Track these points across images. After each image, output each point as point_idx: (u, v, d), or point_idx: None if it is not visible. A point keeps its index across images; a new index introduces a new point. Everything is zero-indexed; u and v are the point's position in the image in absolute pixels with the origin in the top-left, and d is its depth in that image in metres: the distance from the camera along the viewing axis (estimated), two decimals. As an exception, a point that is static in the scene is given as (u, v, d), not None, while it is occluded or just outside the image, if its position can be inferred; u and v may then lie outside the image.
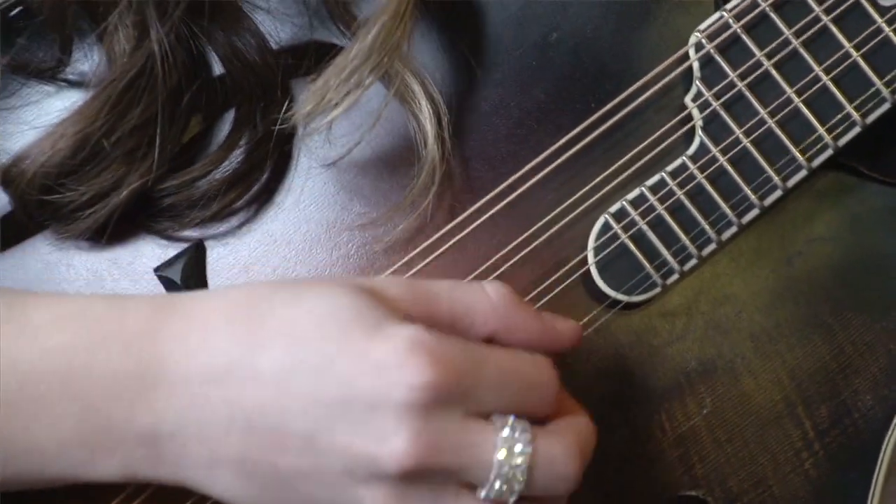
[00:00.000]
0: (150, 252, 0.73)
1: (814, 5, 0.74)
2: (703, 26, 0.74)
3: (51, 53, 0.71)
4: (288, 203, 0.74)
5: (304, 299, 0.62)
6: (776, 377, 0.77)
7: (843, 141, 0.75)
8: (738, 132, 0.74)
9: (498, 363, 0.62)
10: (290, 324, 0.61)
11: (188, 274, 0.73)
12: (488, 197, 0.74)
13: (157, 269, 0.73)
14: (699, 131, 0.75)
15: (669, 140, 0.75)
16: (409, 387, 0.58)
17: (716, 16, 0.74)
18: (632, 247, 0.75)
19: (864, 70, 0.74)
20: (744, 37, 0.74)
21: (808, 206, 0.77)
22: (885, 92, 0.74)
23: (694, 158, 0.75)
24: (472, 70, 0.74)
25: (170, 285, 0.72)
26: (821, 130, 0.75)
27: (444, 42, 0.74)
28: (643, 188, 0.74)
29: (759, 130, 0.74)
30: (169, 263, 0.73)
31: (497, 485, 0.60)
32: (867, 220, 0.77)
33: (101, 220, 0.70)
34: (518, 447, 0.60)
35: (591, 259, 0.75)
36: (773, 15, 0.74)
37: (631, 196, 0.75)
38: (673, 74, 0.75)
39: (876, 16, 0.74)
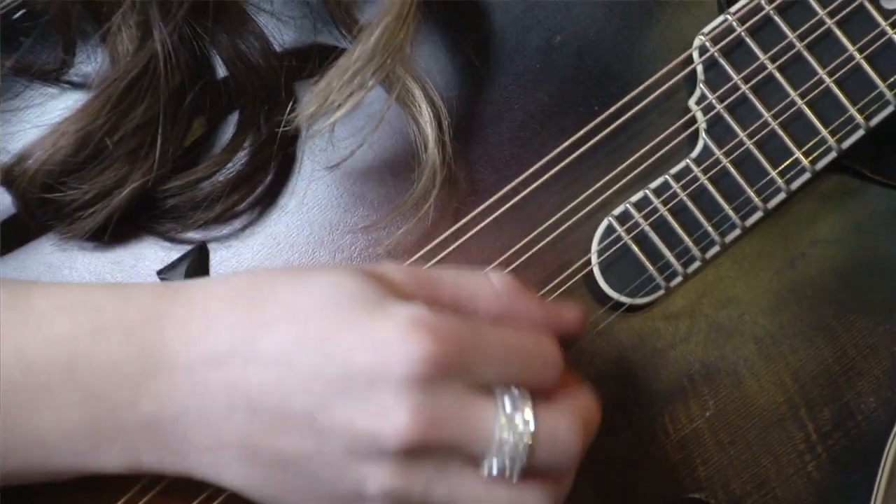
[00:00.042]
0: (153, 254, 0.73)
1: (817, 8, 0.74)
2: (706, 29, 0.74)
3: (54, 55, 0.71)
4: (291, 206, 0.74)
5: (307, 282, 0.62)
6: (779, 379, 0.77)
7: (846, 143, 0.75)
8: (742, 135, 0.74)
9: (500, 338, 0.62)
10: (292, 306, 0.61)
11: (191, 276, 0.73)
12: (492, 200, 0.74)
13: (160, 272, 0.73)
14: (703, 134, 0.75)
15: (673, 143, 0.75)
16: (409, 361, 0.59)
17: (720, 19, 0.74)
18: (635, 249, 0.75)
19: (868, 73, 0.74)
20: (748, 40, 0.74)
21: (812, 208, 0.77)
22: (889, 95, 0.74)
23: (697, 161, 0.75)
24: (475, 73, 0.74)
25: (173, 288, 0.72)
26: (824, 133, 0.75)
27: (447, 46, 0.74)
28: (646, 191, 0.74)
29: (763, 133, 0.74)
30: (172, 266, 0.73)
31: (499, 458, 0.60)
32: (871, 223, 0.77)
33: (102, 219, 0.70)
34: (520, 420, 0.60)
35: (594, 261, 0.75)
36: (776, 18, 0.74)
37: (634, 199, 0.75)
38: (677, 77, 0.75)
39: (880, 19, 0.74)
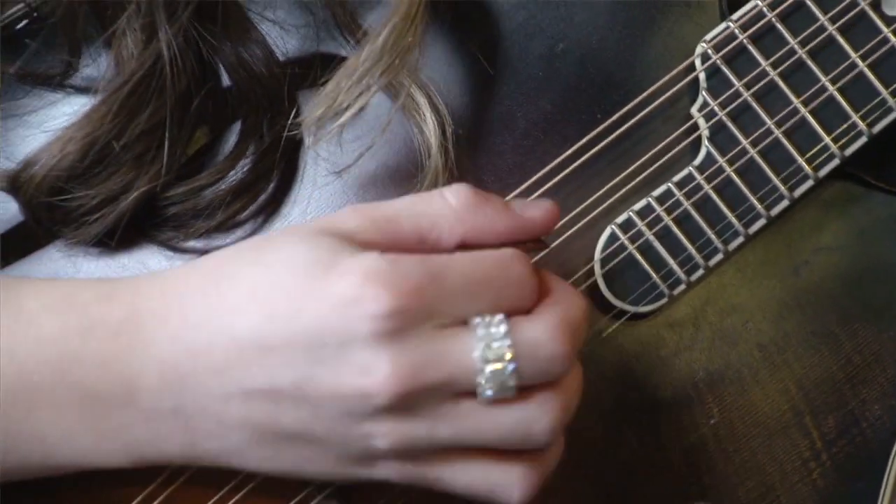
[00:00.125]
0: (157, 264, 0.73)
1: (820, 15, 0.74)
2: (709, 37, 0.74)
3: (58, 60, 0.72)
4: (294, 214, 0.74)
5: (264, 256, 0.62)
6: (784, 387, 0.77)
7: (849, 150, 0.75)
8: (745, 142, 0.74)
9: (462, 270, 0.61)
10: (255, 284, 0.61)
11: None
12: (495, 207, 0.74)
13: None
14: (705, 141, 0.75)
15: (676, 150, 0.75)
16: (372, 318, 0.59)
17: (722, 26, 0.74)
18: (638, 257, 0.75)
19: (871, 80, 0.74)
20: (750, 47, 0.74)
21: (815, 215, 0.77)
22: (892, 101, 0.74)
23: (700, 169, 0.75)
24: (478, 81, 0.74)
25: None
26: (827, 140, 0.75)
27: (450, 54, 0.74)
28: (649, 199, 0.74)
29: (766, 140, 0.74)
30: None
31: (488, 383, 0.60)
32: (874, 230, 0.77)
33: (109, 224, 0.71)
34: (495, 341, 0.60)
35: (597, 270, 0.75)
36: (779, 25, 0.74)
37: (637, 206, 0.75)
38: (679, 85, 0.75)
39: (882, 26, 0.74)
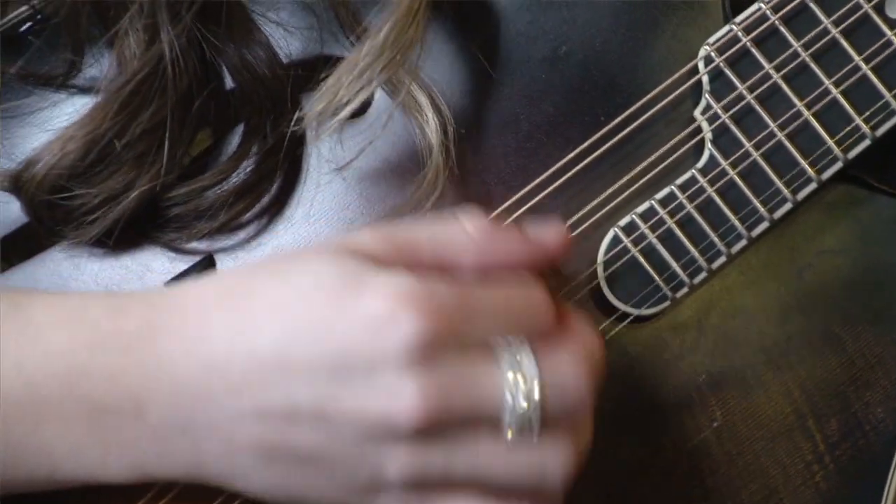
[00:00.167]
0: (160, 266, 0.73)
1: (823, 18, 0.74)
2: (712, 39, 0.74)
3: (61, 59, 0.72)
4: (298, 216, 0.74)
5: (288, 275, 0.61)
6: (787, 390, 0.77)
7: (852, 153, 0.75)
8: (748, 145, 0.74)
9: (486, 295, 0.61)
10: (280, 302, 0.60)
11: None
12: (498, 211, 0.74)
13: (167, 284, 0.73)
14: (708, 144, 0.75)
15: (679, 153, 0.75)
16: (404, 339, 0.58)
17: (725, 29, 0.74)
18: (641, 260, 0.75)
19: (874, 82, 0.74)
20: (753, 50, 0.74)
21: (818, 218, 0.77)
22: (895, 104, 0.74)
23: (703, 171, 0.75)
24: (481, 84, 0.74)
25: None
26: (830, 143, 0.75)
27: (453, 57, 0.74)
28: (652, 201, 0.74)
29: (769, 143, 0.74)
30: (179, 278, 0.73)
31: (514, 412, 0.60)
32: (877, 233, 0.77)
33: (110, 223, 0.70)
34: (524, 373, 0.60)
35: (600, 272, 0.75)
36: (782, 28, 0.74)
37: (640, 209, 0.75)
38: (682, 88, 0.75)
39: (885, 28, 0.74)
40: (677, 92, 0.75)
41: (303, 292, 0.60)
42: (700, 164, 0.75)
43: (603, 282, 0.75)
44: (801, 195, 0.75)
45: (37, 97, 0.73)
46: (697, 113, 0.75)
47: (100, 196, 0.69)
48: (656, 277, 0.75)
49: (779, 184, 0.75)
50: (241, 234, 0.73)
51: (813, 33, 0.74)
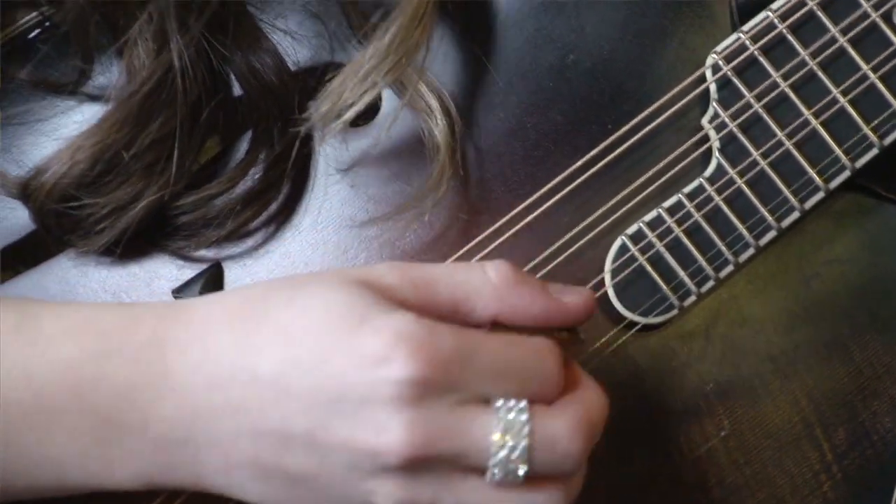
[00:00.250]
0: (168, 273, 0.73)
1: (831, 27, 0.74)
2: (719, 48, 0.74)
3: (70, 67, 0.72)
4: (305, 224, 0.74)
5: (297, 300, 0.62)
6: (794, 399, 0.76)
7: (860, 162, 0.75)
8: (756, 154, 0.74)
9: (493, 351, 0.61)
10: (286, 327, 0.61)
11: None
12: (505, 219, 0.74)
13: (175, 291, 0.73)
14: (716, 153, 0.75)
15: (686, 161, 0.75)
16: (396, 381, 0.59)
17: (732, 37, 0.74)
18: (649, 269, 0.75)
19: (882, 91, 0.74)
20: (761, 59, 0.74)
21: (826, 227, 0.77)
22: (903, 113, 0.75)
23: (711, 180, 0.75)
24: (488, 92, 0.74)
25: (188, 307, 0.72)
26: (838, 152, 0.75)
27: (460, 65, 0.74)
28: (660, 210, 0.74)
29: (777, 152, 0.74)
30: (186, 285, 0.73)
31: (498, 467, 0.60)
32: (885, 242, 0.77)
33: (118, 233, 0.71)
34: (515, 429, 0.60)
35: (608, 281, 0.75)
36: (790, 37, 0.74)
37: (648, 218, 0.74)
38: (690, 96, 0.75)
39: (893, 37, 0.74)
40: (685, 100, 0.75)
41: (308, 319, 0.61)
42: (708, 172, 0.75)
43: (610, 290, 0.75)
44: (809, 204, 0.75)
45: (46, 104, 0.73)
46: (705, 121, 0.75)
47: (108, 206, 0.70)
48: (664, 286, 0.75)
49: (786, 192, 0.75)
50: (249, 242, 0.73)
51: (821, 42, 0.74)
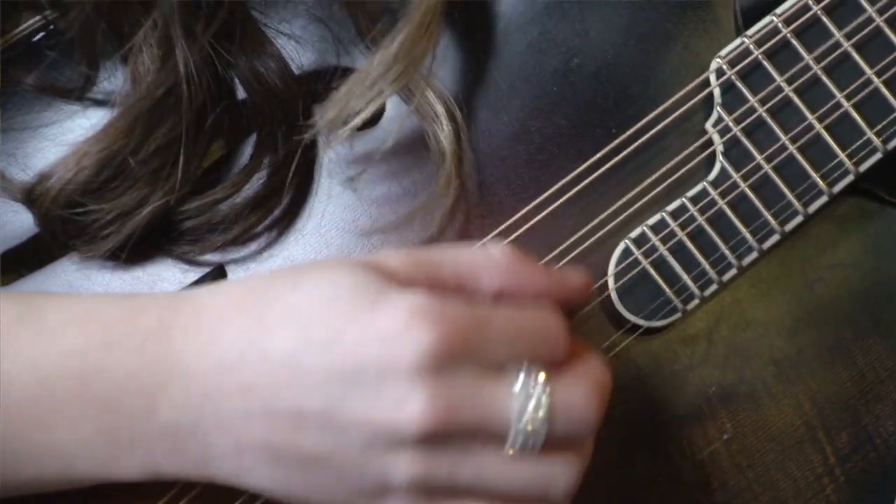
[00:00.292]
0: (171, 276, 0.73)
1: (835, 31, 0.74)
2: (724, 52, 0.74)
3: (77, 72, 0.72)
4: (309, 228, 0.74)
5: (305, 283, 0.62)
6: (797, 403, 0.77)
7: (864, 166, 0.75)
8: (759, 158, 0.74)
9: (504, 317, 0.62)
10: (295, 308, 0.61)
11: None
12: (509, 222, 0.74)
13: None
14: (720, 157, 0.75)
15: (690, 165, 0.75)
16: (415, 351, 0.59)
17: (737, 42, 0.74)
18: (652, 272, 0.75)
19: (886, 96, 0.74)
20: (765, 63, 0.74)
21: (830, 231, 0.77)
22: (907, 117, 0.75)
23: (715, 184, 0.75)
24: (492, 96, 0.74)
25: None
26: (842, 156, 0.75)
27: (464, 69, 0.74)
28: (664, 213, 0.74)
29: (780, 156, 0.74)
30: (189, 288, 0.73)
31: (519, 435, 0.60)
32: (888, 246, 0.77)
33: (123, 238, 0.71)
34: (534, 396, 0.60)
35: (611, 284, 0.75)
36: (794, 41, 0.74)
37: (651, 221, 0.75)
38: (694, 100, 0.75)
39: (897, 42, 0.74)
40: (689, 104, 0.75)
41: (319, 300, 0.61)
42: (711, 176, 0.75)
43: (613, 293, 0.75)
44: (813, 208, 0.75)
45: (51, 109, 0.73)
46: (709, 125, 0.75)
47: (113, 211, 0.70)
48: (667, 289, 0.75)
49: (790, 196, 0.75)
50: (253, 246, 0.73)
51: (825, 46, 0.74)
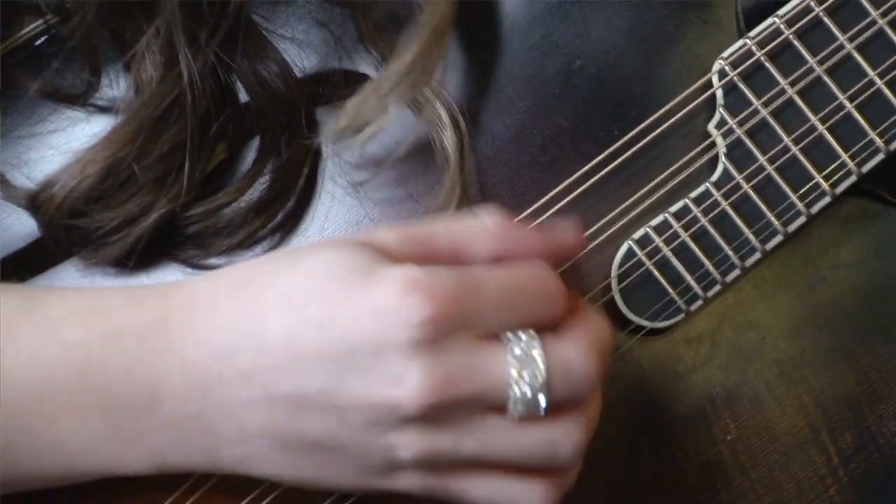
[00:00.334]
0: (176, 279, 0.73)
1: (837, 33, 0.74)
2: (726, 53, 0.74)
3: (81, 78, 0.72)
4: (312, 231, 0.74)
5: (300, 263, 0.62)
6: (800, 403, 0.77)
7: (866, 167, 0.75)
8: (762, 159, 0.74)
9: (497, 281, 0.62)
10: (290, 290, 0.61)
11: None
12: (512, 224, 0.74)
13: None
14: (723, 158, 0.75)
15: (693, 167, 0.75)
16: (409, 326, 0.59)
17: (739, 43, 0.74)
18: (655, 273, 0.75)
19: (888, 97, 0.74)
20: (767, 64, 0.74)
21: (833, 232, 0.77)
22: (909, 118, 0.75)
23: (717, 185, 0.75)
24: (495, 98, 0.74)
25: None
26: (844, 157, 0.75)
27: (467, 70, 0.74)
28: (667, 215, 0.74)
29: (783, 157, 0.74)
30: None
31: (520, 399, 0.60)
32: (891, 246, 0.77)
33: (128, 246, 0.71)
34: (530, 359, 0.60)
35: (614, 286, 0.75)
36: (796, 42, 0.74)
37: (654, 222, 0.75)
38: (696, 102, 0.75)
39: (899, 44, 0.74)
40: (691, 106, 0.75)
41: (313, 281, 0.61)
42: (714, 177, 0.75)
43: (617, 294, 0.75)
44: (815, 209, 0.75)
45: (57, 116, 0.73)
46: (711, 127, 0.75)
47: (117, 219, 0.70)
48: (670, 290, 0.75)
49: (793, 197, 0.75)
50: (258, 249, 0.73)
51: (828, 48, 0.74)
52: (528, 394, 0.60)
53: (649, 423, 0.76)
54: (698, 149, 0.75)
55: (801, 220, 0.75)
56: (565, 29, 0.74)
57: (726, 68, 0.74)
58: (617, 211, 0.75)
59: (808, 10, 0.74)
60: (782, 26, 0.74)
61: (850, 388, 0.77)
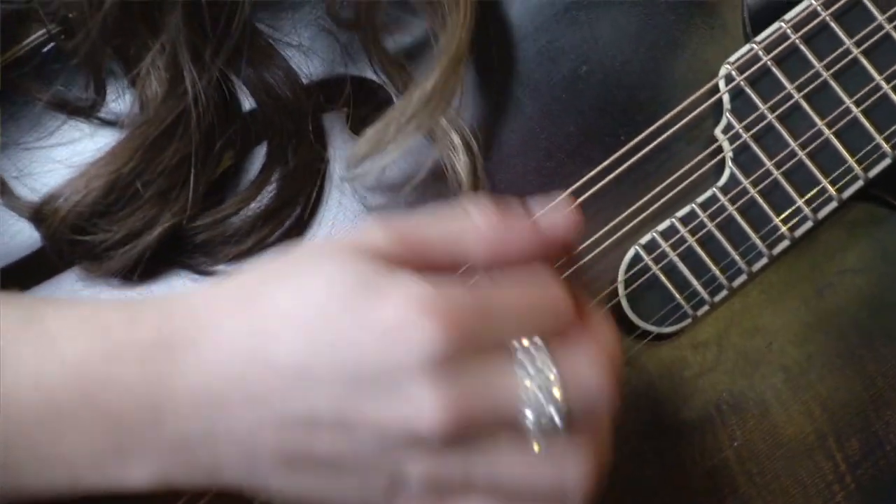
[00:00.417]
0: (182, 287, 0.73)
1: (844, 38, 0.74)
2: (733, 58, 0.74)
3: (87, 91, 0.72)
4: (319, 237, 0.74)
5: (298, 277, 0.61)
6: (807, 409, 0.77)
7: (873, 172, 0.75)
8: (769, 164, 0.74)
9: (507, 300, 0.61)
10: (293, 311, 0.60)
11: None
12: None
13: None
14: (729, 163, 0.75)
15: (700, 171, 0.75)
16: (422, 348, 0.57)
17: (746, 48, 0.74)
18: (662, 278, 0.75)
19: (895, 102, 0.74)
20: (774, 69, 0.74)
21: (839, 237, 0.77)
22: (916, 123, 0.75)
23: (724, 190, 0.75)
24: (501, 103, 0.74)
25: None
26: (851, 162, 0.75)
27: (473, 78, 0.74)
28: (673, 220, 0.74)
29: (790, 162, 0.74)
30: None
31: (534, 415, 0.59)
32: (898, 252, 0.77)
33: (131, 259, 0.70)
34: (543, 376, 0.59)
35: (621, 291, 0.75)
36: (803, 47, 0.74)
37: (661, 227, 0.74)
38: (703, 106, 0.75)
39: (907, 48, 0.74)
40: (698, 111, 0.75)
41: (314, 298, 0.60)
42: (721, 182, 0.75)
43: (623, 300, 0.75)
44: (822, 214, 0.75)
45: (63, 129, 0.72)
46: (718, 131, 0.75)
47: (121, 233, 0.69)
48: (677, 295, 0.75)
49: (800, 202, 0.75)
50: (266, 256, 0.73)
51: (834, 53, 0.74)
52: (544, 409, 0.59)
53: (655, 428, 0.76)
54: (705, 153, 0.75)
55: (808, 224, 0.75)
56: (572, 35, 0.74)
57: (733, 73, 0.74)
58: (623, 216, 0.75)
59: (814, 14, 0.74)
60: (789, 31, 0.74)
61: (856, 393, 0.77)
